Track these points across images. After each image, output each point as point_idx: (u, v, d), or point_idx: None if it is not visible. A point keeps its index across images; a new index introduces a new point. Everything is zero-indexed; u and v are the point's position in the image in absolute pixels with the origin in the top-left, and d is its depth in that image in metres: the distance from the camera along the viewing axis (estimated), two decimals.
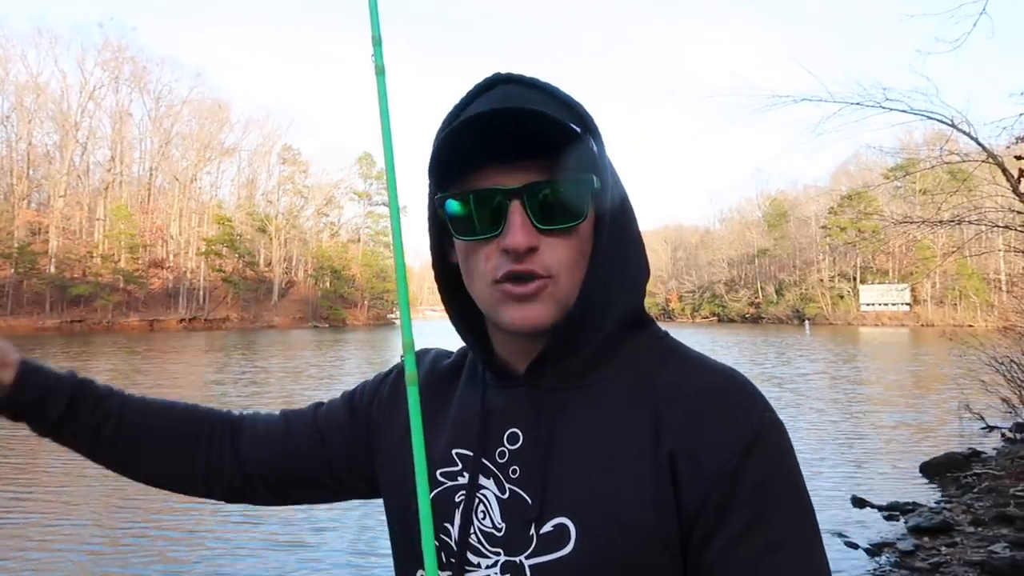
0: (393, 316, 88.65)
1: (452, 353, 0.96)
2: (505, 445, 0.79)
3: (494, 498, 0.78)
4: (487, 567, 0.77)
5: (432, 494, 0.82)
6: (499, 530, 0.77)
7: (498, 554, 0.76)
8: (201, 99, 79.68)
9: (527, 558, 0.74)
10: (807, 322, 75.47)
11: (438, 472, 0.83)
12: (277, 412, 1.05)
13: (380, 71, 0.84)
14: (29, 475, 8.90)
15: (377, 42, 0.85)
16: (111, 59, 72.75)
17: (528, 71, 0.78)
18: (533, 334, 0.77)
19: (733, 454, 0.72)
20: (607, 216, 0.77)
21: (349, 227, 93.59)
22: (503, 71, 0.81)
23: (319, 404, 1.02)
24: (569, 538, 0.73)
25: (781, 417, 0.72)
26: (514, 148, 0.74)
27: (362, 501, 0.99)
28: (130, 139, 76.24)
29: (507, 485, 0.78)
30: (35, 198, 66.86)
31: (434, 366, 0.95)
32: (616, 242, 0.78)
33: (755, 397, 0.77)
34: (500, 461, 0.79)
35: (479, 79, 0.81)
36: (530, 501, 0.76)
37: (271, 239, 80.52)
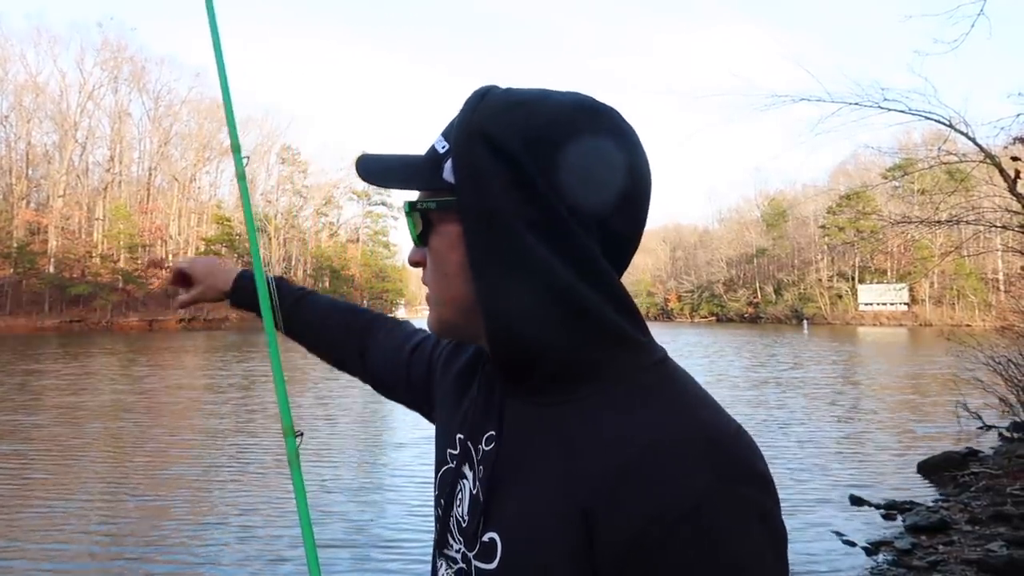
0: (394, 315, 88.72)
1: None
2: (483, 444, 0.80)
3: (468, 491, 0.80)
4: (455, 552, 0.80)
5: (441, 470, 0.89)
6: (464, 522, 0.79)
7: (461, 543, 0.78)
8: (200, 99, 79.67)
9: (474, 558, 0.75)
10: (806, 322, 75.55)
11: (448, 450, 0.88)
12: (410, 327, 1.26)
13: (241, 176, 0.89)
14: (26, 469, 8.94)
15: (236, 149, 0.89)
16: (110, 59, 72.80)
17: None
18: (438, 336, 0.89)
19: (652, 524, 0.62)
20: (466, 233, 0.75)
21: (348, 227, 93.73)
22: (489, 84, 0.81)
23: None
24: (496, 554, 0.73)
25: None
26: None
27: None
28: (129, 139, 76.33)
29: (476, 482, 0.79)
30: (34, 198, 66.84)
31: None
32: (482, 257, 0.74)
33: (708, 462, 0.64)
34: (478, 457, 0.80)
35: (475, 82, 0.82)
36: (480, 505, 0.77)
37: (270, 239, 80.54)
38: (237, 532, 6.57)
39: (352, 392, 17.14)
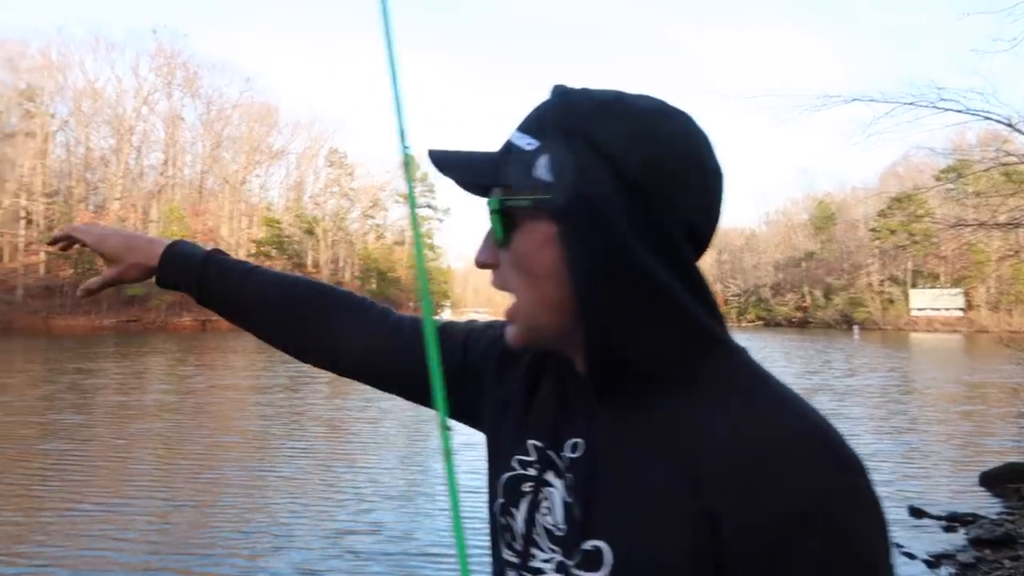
0: (439, 317, 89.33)
1: None
2: (569, 451, 0.79)
3: (559, 498, 0.78)
4: (543, 561, 0.78)
5: (504, 477, 0.85)
6: (560, 530, 0.77)
7: (556, 552, 0.77)
8: (250, 103, 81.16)
9: (575, 567, 0.74)
10: (856, 327, 73.94)
11: (514, 458, 0.85)
12: (393, 315, 1.13)
13: (405, 164, 0.87)
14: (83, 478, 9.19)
15: (402, 136, 0.86)
16: (164, 65, 74.49)
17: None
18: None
19: (786, 520, 0.63)
20: (565, 234, 0.73)
21: (394, 229, 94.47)
22: (557, 82, 0.80)
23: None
24: (603, 562, 0.71)
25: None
26: None
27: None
28: (182, 143, 78.04)
29: (569, 490, 0.77)
30: (92, 200, 68.74)
31: None
32: (583, 260, 0.72)
33: (826, 455, 0.66)
34: (565, 465, 0.79)
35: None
36: (578, 513, 0.75)
37: (318, 241, 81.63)
38: (278, 537, 6.64)
39: (384, 396, 17.23)
